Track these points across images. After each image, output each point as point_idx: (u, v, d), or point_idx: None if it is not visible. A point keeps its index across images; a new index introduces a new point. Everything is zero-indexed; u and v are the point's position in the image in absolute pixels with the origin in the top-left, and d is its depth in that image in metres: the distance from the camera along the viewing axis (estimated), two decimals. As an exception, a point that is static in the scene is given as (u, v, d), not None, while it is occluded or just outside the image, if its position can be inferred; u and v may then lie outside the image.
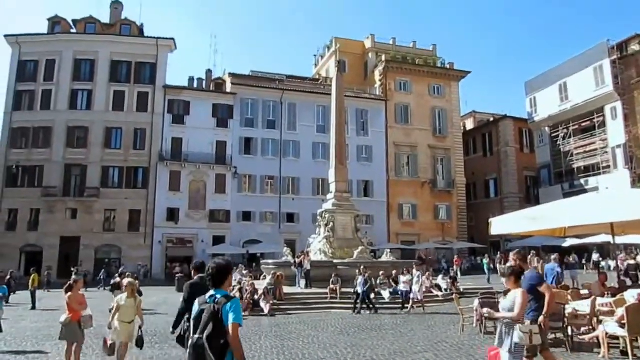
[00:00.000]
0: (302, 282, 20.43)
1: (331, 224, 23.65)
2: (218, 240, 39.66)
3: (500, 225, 11.55)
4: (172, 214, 39.23)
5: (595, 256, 32.50)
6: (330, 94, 28.29)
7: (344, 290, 18.07)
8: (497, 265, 28.24)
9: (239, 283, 18.67)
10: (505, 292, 6.96)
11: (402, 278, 17.37)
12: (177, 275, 28.45)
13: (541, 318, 6.26)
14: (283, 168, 42.10)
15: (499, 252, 36.77)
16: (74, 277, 8.83)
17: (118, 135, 39.86)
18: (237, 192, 40.98)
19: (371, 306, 16.22)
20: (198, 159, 39.96)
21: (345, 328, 12.74)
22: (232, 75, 44.31)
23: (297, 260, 21.14)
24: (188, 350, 3.85)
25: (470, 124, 58.64)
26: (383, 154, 44.91)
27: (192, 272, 6.54)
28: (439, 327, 12.71)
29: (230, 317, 3.74)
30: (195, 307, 3.99)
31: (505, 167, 48.25)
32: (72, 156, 38.69)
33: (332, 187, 25.20)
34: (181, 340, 5.34)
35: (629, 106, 37.19)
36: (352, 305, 16.40)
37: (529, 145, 48.58)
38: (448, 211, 46.27)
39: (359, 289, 16.33)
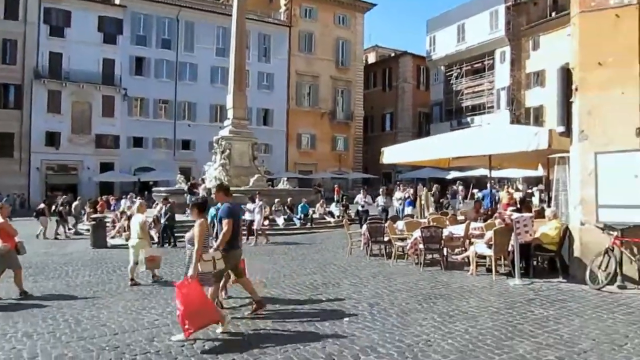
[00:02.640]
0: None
1: (228, 151, 23.08)
2: (106, 167, 37.23)
3: (391, 154, 11.94)
4: (52, 139, 35.70)
5: (475, 191, 35.52)
6: (231, 15, 26.62)
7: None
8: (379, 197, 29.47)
9: (126, 210, 17.74)
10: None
11: (249, 206, 15.32)
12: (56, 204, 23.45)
13: (211, 250, 5.89)
14: (178, 92, 39.81)
15: (398, 183, 38.70)
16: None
17: (-19, 45, 34.58)
18: (128, 116, 38.25)
19: (171, 240, 14.62)
20: (81, 78, 36.20)
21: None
22: (121, -16, 39.90)
23: (188, 187, 20.24)
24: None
25: (372, 58, 59.31)
26: (284, 82, 44.14)
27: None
28: (328, 251, 13.19)
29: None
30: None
31: (401, 103, 50.03)
32: None
33: (230, 114, 24.36)
34: None
35: (516, 52, 39.69)
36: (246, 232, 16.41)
37: (425, 83, 50.53)
38: (345, 142, 47.46)
39: (162, 220, 14.81)
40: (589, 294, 7.41)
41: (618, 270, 7.67)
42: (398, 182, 33.83)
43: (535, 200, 22.92)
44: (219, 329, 5.63)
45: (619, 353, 4.87)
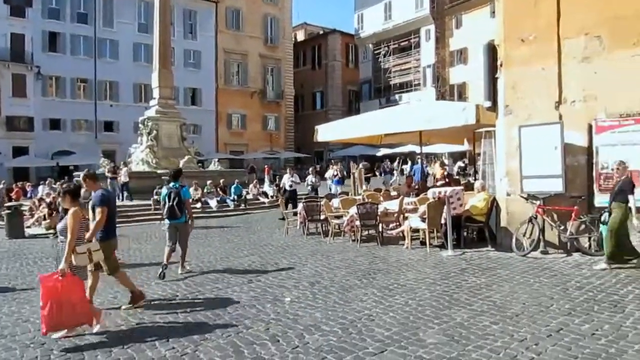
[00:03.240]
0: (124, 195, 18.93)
1: (155, 132, 22.08)
2: (19, 151, 34.40)
3: (326, 132, 11.91)
4: (-46, 121, 32.45)
5: (386, 164, 36.44)
6: (152, -13, 25.18)
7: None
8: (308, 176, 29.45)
9: (45, 197, 16.56)
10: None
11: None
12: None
13: (86, 239, 5.47)
14: (98, 70, 37.35)
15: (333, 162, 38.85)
16: None
17: None
18: (42, 97, 35.42)
19: None
20: (-14, 55, 33.03)
21: (169, 238, 12.30)
22: (27, -49, 36.45)
23: (109, 172, 19.06)
24: (166, 211, 7.86)
25: (301, 36, 58.73)
26: (212, 60, 42.67)
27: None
28: (264, 231, 13.05)
29: (186, 195, 8.09)
30: (164, 191, 8.11)
31: (331, 81, 50.15)
32: None
33: (156, 93, 23.24)
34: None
35: (440, 30, 40.85)
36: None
37: (354, 61, 50.90)
38: (276, 122, 46.99)
39: None
40: (516, 260, 7.84)
41: (541, 237, 8.16)
42: (332, 161, 34.05)
43: (461, 173, 24.02)
44: (95, 329, 5.13)
45: (547, 314, 5.16)
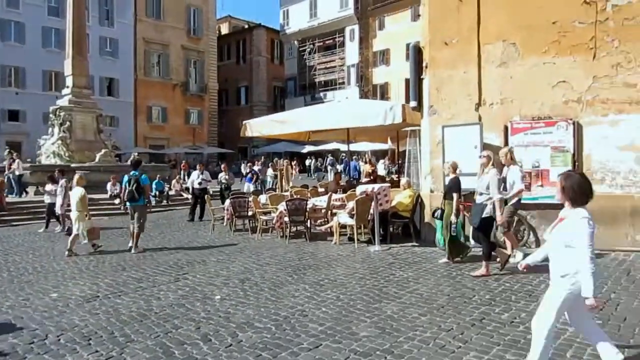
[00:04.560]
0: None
1: (68, 123, 20.66)
2: None
3: (253, 127, 11.75)
4: None
5: (329, 160, 37.07)
6: (64, -32, 23.50)
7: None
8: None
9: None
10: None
11: (48, 187, 13.14)
12: None
13: None
14: (2, 54, 34.28)
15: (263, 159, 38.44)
16: None
17: None
18: None
19: None
20: None
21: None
22: None
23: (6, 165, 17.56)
24: (126, 195, 9.28)
25: (225, 29, 57.59)
26: (131, 49, 40.65)
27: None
28: (189, 228, 12.64)
29: (145, 182, 9.42)
30: (125, 178, 9.38)
31: (256, 76, 49.66)
32: None
33: (69, 81, 21.74)
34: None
35: (364, 30, 41.79)
36: (95, 212, 14.93)
37: (280, 57, 50.74)
38: (199, 116, 45.76)
39: None
40: (439, 254, 8.18)
41: (462, 232, 8.57)
42: (256, 157, 33.74)
43: (384, 171, 24.72)
44: None
45: (470, 305, 5.45)
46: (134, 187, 9.21)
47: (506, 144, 8.57)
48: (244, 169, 23.26)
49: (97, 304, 5.85)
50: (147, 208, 9.84)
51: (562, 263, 3.51)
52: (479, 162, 7.38)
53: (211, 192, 14.09)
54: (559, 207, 8.33)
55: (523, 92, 8.48)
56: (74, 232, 9.30)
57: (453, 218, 7.34)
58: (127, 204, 9.59)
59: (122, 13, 40.05)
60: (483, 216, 6.86)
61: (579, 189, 3.52)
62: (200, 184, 13.98)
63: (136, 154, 24.57)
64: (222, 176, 15.89)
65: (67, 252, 8.99)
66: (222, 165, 17.51)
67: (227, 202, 11.89)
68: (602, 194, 8.15)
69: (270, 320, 5.09)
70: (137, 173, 9.37)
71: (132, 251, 9.18)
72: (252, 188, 17.78)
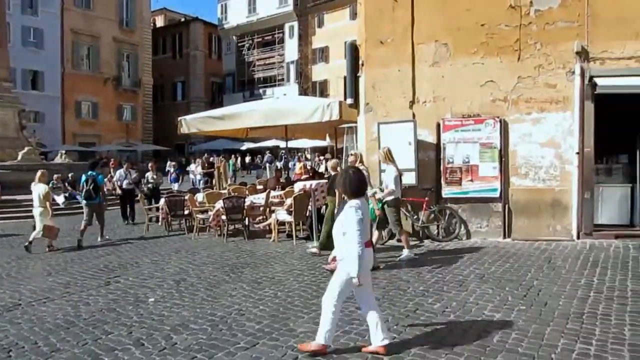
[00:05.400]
0: None
1: (-15, 118, 19.24)
2: None
3: (190, 124, 11.47)
4: None
5: (267, 157, 36.84)
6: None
7: (4, 197, 15.28)
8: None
9: None
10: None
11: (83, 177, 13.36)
12: None
13: None
14: None
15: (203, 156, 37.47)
16: None
17: None
18: None
19: None
20: None
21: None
22: None
23: None
24: (84, 194, 9.88)
25: (160, 22, 55.73)
26: (57, 41, 38.33)
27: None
28: (122, 229, 12.16)
29: (100, 181, 10.12)
30: (83, 177, 9.91)
31: (193, 71, 48.47)
32: None
33: (-14, 73, 20.24)
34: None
35: (304, 27, 41.86)
36: (18, 215, 14.09)
37: (217, 52, 49.80)
38: (133, 112, 43.98)
39: None
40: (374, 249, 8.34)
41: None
42: (192, 154, 32.98)
43: (322, 168, 24.90)
44: None
45: (404, 297, 5.59)
46: (91, 187, 9.88)
47: (438, 140, 8.89)
48: (169, 167, 22.47)
49: (18, 313, 5.50)
50: (102, 206, 10.63)
51: (341, 249, 3.97)
52: (335, 161, 7.77)
53: (145, 190, 13.45)
54: (489, 200, 8.79)
55: (454, 90, 8.82)
56: (38, 228, 9.42)
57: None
58: (84, 202, 10.18)
59: (47, 1, 37.62)
60: None
61: (353, 184, 4.03)
62: (129, 184, 13.25)
63: (64, 151, 23.25)
64: (150, 175, 14.91)
65: (27, 243, 9.29)
66: (149, 164, 16.40)
67: (162, 201, 11.53)
68: (526, 188, 8.68)
69: (206, 320, 4.99)
70: (94, 173, 10.11)
71: (99, 239, 10.10)
72: (177, 188, 17.12)
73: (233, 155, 32.49)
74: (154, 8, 50.36)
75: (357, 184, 4.05)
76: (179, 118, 11.61)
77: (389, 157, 7.61)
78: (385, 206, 7.52)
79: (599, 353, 3.96)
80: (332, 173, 7.89)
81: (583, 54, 8.37)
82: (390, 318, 4.88)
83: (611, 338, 4.24)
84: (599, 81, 8.10)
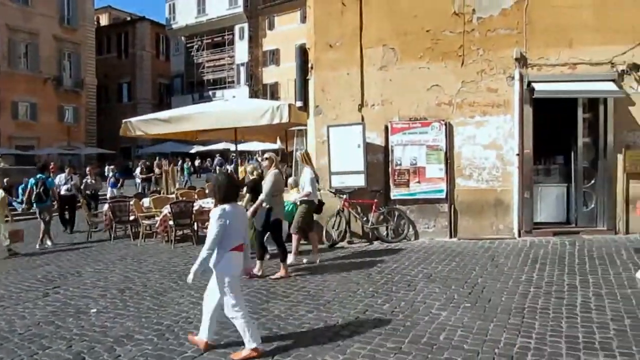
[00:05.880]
0: None
1: None
2: None
3: (135, 127, 11.11)
4: None
5: (217, 160, 36.26)
6: None
7: None
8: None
9: None
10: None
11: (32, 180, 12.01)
12: None
13: None
14: None
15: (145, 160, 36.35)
16: None
17: None
18: None
19: None
20: None
21: None
22: None
23: None
24: (34, 197, 9.86)
25: (105, 20, 53.75)
26: (-9, 38, 36.25)
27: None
28: (63, 237, 11.64)
29: (51, 184, 10.59)
30: (32, 180, 10.15)
31: (140, 72, 47.03)
32: None
33: None
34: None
35: (254, 29, 41.54)
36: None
37: (165, 53, 48.59)
38: (75, 113, 42.07)
39: None
40: (325, 251, 8.38)
41: (347, 228, 8.91)
42: (138, 157, 32.03)
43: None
44: None
45: (354, 298, 5.64)
46: (41, 189, 10.18)
47: (387, 143, 9.04)
48: (108, 171, 21.62)
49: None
50: (51, 210, 10.81)
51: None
52: (253, 165, 7.77)
53: (84, 195, 12.92)
54: (436, 201, 9.01)
55: (401, 94, 9.00)
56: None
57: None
58: (36, 205, 10.29)
59: (-22, -3, 35.54)
60: (271, 219, 6.76)
61: (221, 190, 4.17)
62: (69, 190, 12.54)
63: (-1, 155, 21.97)
64: (88, 180, 14.05)
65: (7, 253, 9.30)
66: (88, 169, 15.58)
67: (106, 206, 11.11)
68: (471, 188, 8.97)
69: (152, 330, 4.84)
70: (43, 176, 10.49)
71: (37, 246, 10.08)
72: (115, 193, 16.44)
73: (182, 159, 31.78)
74: (98, 6, 48.55)
75: (224, 190, 4.13)
76: (124, 120, 11.21)
77: (306, 159, 7.71)
78: (298, 203, 7.56)
79: (539, 346, 4.13)
80: (251, 177, 7.59)
81: (522, 60, 8.75)
82: (340, 320, 4.91)
83: (549, 331, 4.44)
84: (537, 86, 8.49)
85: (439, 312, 5.05)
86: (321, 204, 7.92)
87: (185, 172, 30.91)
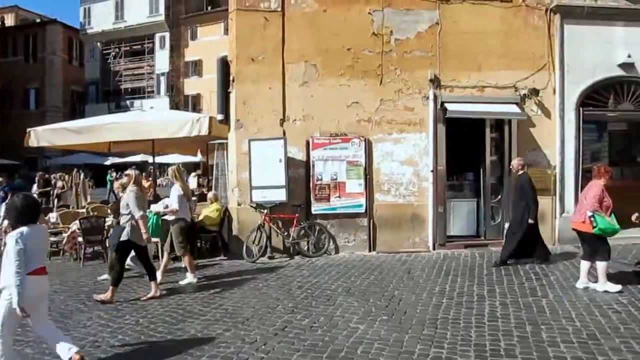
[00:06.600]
0: None
1: None
2: None
3: (41, 136, 10.34)
4: None
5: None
6: None
7: None
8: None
9: None
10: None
11: None
12: None
13: None
14: None
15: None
16: None
17: None
18: None
19: None
20: None
21: None
22: None
23: None
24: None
25: (10, 20, 49.91)
26: None
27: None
28: None
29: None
30: None
31: (49, 78, 44.00)
32: None
33: None
34: None
35: (176, 39, 40.46)
36: None
37: (79, 58, 45.97)
38: (-26, 121, 38.64)
39: None
40: (246, 267, 8.24)
41: (268, 243, 8.83)
42: (45, 169, 29.89)
43: (194, 184, 24.08)
44: None
45: (274, 314, 5.57)
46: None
47: (308, 158, 9.11)
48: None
49: None
50: None
51: (2, 276, 3.87)
52: (121, 181, 7.61)
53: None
54: (356, 215, 9.16)
55: (323, 110, 9.13)
56: None
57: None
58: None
59: None
60: (121, 239, 6.26)
61: (14, 213, 3.95)
62: None
63: None
64: None
65: None
66: None
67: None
68: (389, 203, 9.26)
69: (54, 357, 4.45)
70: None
71: None
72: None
73: (78, 171, 30.01)
74: (3, 5, 45.16)
75: (17, 213, 3.92)
76: (28, 129, 10.40)
77: (176, 175, 7.54)
78: (170, 226, 7.35)
79: (450, 355, 4.30)
80: (121, 194, 7.04)
81: (435, 82, 9.24)
82: (259, 337, 4.82)
83: (460, 340, 4.64)
84: (449, 106, 8.99)
85: (357, 326, 5.12)
86: (193, 223, 7.83)
87: (108, 185, 28.93)
